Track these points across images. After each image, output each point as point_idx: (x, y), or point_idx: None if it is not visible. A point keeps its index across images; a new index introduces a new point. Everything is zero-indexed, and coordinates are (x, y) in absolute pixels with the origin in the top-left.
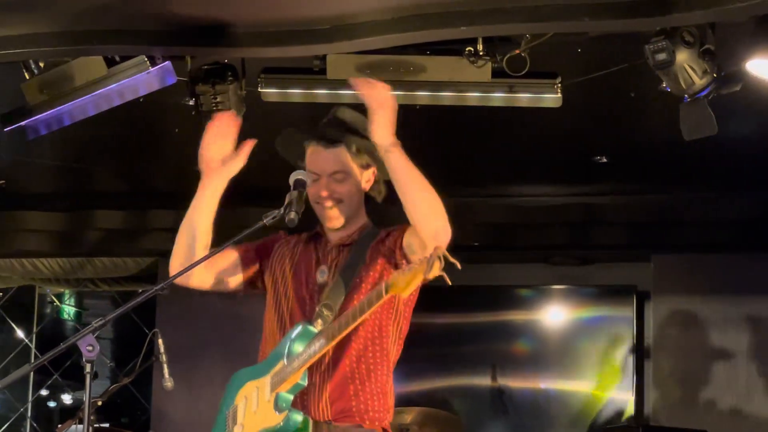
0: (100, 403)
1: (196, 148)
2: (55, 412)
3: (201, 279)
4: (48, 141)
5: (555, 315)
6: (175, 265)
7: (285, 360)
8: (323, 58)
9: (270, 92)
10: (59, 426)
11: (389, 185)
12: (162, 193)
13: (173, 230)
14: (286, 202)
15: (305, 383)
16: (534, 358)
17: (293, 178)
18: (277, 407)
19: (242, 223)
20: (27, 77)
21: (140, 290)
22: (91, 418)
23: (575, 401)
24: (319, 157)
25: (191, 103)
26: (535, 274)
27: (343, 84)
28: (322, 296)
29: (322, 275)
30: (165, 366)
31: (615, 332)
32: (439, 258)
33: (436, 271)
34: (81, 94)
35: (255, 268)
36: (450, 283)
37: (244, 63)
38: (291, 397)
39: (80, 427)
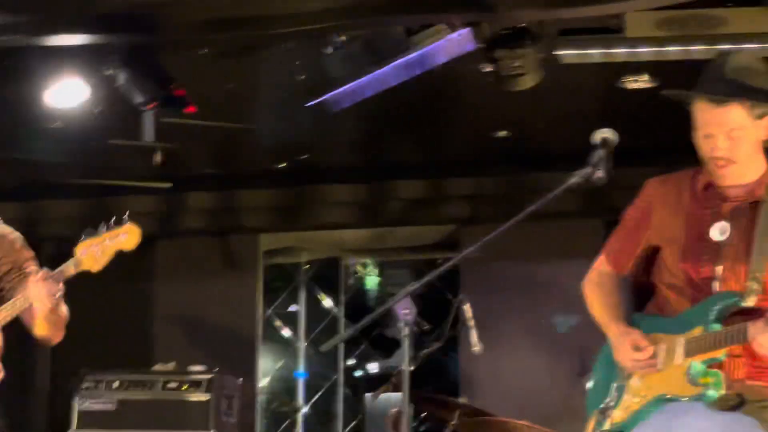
0: (412, 368)
1: (493, 114)
2: (361, 380)
3: None
4: (347, 113)
5: None
6: None
7: (706, 328)
8: (620, 16)
9: (568, 54)
10: (372, 393)
11: None
12: (460, 160)
13: (472, 197)
14: (593, 161)
15: (723, 359)
16: None
17: (599, 136)
18: (690, 378)
19: (536, 188)
20: (330, 51)
21: (439, 259)
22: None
23: None
24: (708, 116)
25: (488, 69)
26: None
27: (643, 41)
28: (722, 258)
29: (721, 234)
30: (473, 331)
31: None
32: None
33: None
34: (381, 66)
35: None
36: None
37: (542, 26)
38: (705, 369)
39: (393, 393)
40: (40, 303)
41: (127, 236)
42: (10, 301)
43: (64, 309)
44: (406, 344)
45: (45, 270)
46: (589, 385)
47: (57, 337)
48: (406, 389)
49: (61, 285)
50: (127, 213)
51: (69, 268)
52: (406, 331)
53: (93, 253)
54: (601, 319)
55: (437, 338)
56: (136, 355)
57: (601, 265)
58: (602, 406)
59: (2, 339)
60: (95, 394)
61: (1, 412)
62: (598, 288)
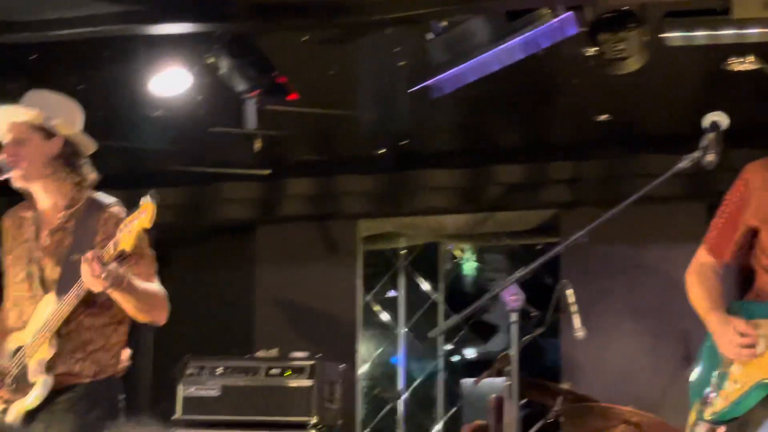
0: (512, 353)
1: (595, 99)
2: (459, 366)
3: None
4: (446, 99)
5: None
6: None
7: None
8: None
9: (673, 36)
10: (471, 378)
11: None
12: (561, 145)
13: (573, 181)
14: (703, 145)
15: None
16: None
17: (709, 119)
18: None
19: (637, 172)
20: (431, 37)
21: (538, 245)
22: (507, 368)
23: None
24: None
25: (591, 52)
26: None
27: (750, 23)
28: None
29: None
30: (575, 316)
31: None
32: None
33: None
34: (484, 51)
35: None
36: None
37: (646, 8)
38: None
39: (493, 379)
40: (92, 285)
41: (145, 213)
42: (75, 284)
43: (140, 287)
44: (514, 330)
45: (91, 253)
46: (693, 376)
47: (151, 316)
48: (515, 375)
49: (111, 266)
50: (151, 191)
51: (109, 249)
52: (513, 317)
53: (125, 232)
54: (701, 310)
55: (538, 324)
56: (238, 342)
57: (701, 256)
58: (703, 395)
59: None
60: (199, 380)
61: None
62: (697, 279)
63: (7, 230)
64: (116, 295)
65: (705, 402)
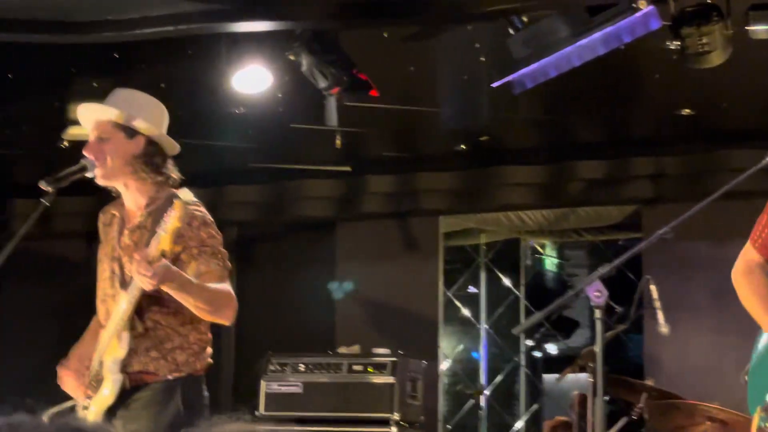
0: (597, 349)
1: (677, 93)
2: (539, 362)
3: None
4: (527, 94)
5: None
6: None
7: None
8: None
9: (759, 29)
10: (553, 374)
11: None
12: (643, 140)
13: (655, 177)
14: None
15: None
16: None
17: None
18: None
19: (720, 167)
20: (511, 32)
21: (620, 240)
22: (590, 364)
23: None
24: None
25: (673, 46)
26: None
27: None
28: None
29: None
30: (659, 312)
31: None
32: None
33: None
34: (565, 46)
35: None
36: None
37: (729, 1)
38: None
39: (575, 375)
40: (143, 284)
41: (175, 212)
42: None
43: (198, 286)
44: (599, 327)
45: (138, 253)
46: (749, 376)
47: (215, 316)
48: (599, 372)
49: (156, 264)
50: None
51: (152, 248)
52: (597, 314)
53: (161, 233)
54: (754, 311)
55: (622, 320)
56: (319, 338)
57: (747, 253)
58: (766, 402)
59: (205, 327)
60: (281, 377)
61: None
62: (746, 279)
63: (100, 226)
64: (172, 294)
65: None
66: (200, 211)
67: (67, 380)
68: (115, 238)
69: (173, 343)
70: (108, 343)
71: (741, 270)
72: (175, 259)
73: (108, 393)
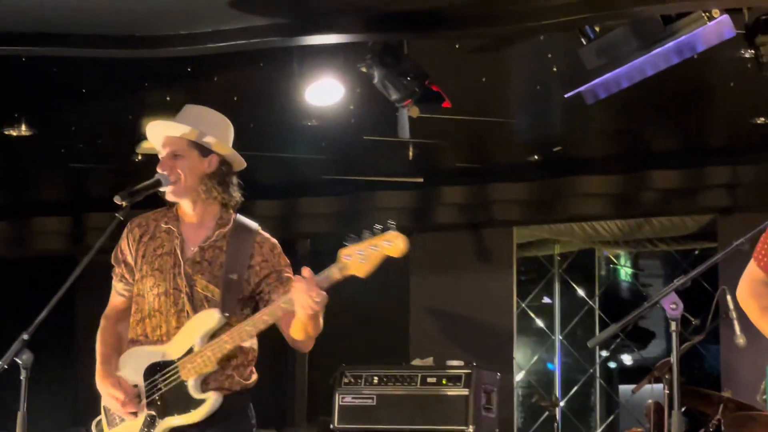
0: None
1: (752, 101)
2: (615, 373)
3: None
4: (600, 104)
5: None
6: None
7: None
8: None
9: None
10: (630, 385)
11: None
12: (718, 149)
13: (731, 186)
14: None
15: None
16: None
17: None
18: None
19: None
20: (584, 43)
21: (696, 250)
22: (666, 376)
23: None
24: None
25: (747, 55)
26: None
27: None
28: None
29: None
30: (736, 323)
31: None
32: None
33: None
34: (638, 55)
35: None
36: None
37: None
38: None
39: (651, 386)
40: (304, 308)
41: (391, 243)
42: (274, 304)
43: (320, 319)
44: (675, 339)
45: (309, 273)
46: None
47: (309, 345)
48: (675, 384)
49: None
50: (394, 222)
51: (334, 274)
52: (673, 326)
53: (357, 259)
54: (766, 331)
55: (698, 331)
56: (392, 350)
57: (752, 273)
58: None
59: (256, 342)
60: (355, 389)
61: (250, 413)
62: (753, 299)
63: (134, 235)
64: (309, 320)
65: None
66: (273, 238)
67: (119, 397)
68: (173, 254)
69: (238, 360)
70: (192, 360)
71: (747, 291)
72: (259, 283)
73: (204, 412)
